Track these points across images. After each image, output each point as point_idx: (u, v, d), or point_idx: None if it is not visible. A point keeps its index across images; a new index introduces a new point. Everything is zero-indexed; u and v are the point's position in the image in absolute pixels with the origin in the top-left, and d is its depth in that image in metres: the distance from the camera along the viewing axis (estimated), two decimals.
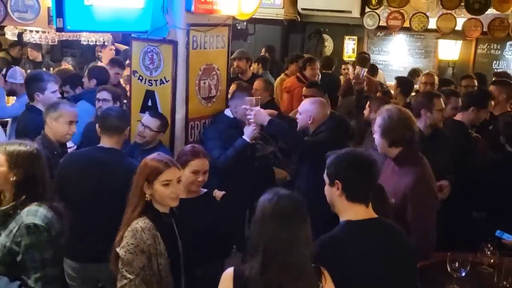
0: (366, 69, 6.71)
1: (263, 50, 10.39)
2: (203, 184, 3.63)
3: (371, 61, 10.02)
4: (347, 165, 2.71)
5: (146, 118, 4.50)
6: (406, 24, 10.83)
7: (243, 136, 4.74)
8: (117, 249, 2.89)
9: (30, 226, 2.75)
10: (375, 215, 2.72)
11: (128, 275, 2.85)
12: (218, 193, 3.73)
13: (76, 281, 3.86)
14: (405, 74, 9.10)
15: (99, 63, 8.11)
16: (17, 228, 2.75)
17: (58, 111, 4.22)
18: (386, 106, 3.72)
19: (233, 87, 5.83)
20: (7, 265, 2.76)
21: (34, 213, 2.79)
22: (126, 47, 8.42)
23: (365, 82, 6.16)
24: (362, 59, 9.35)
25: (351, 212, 2.68)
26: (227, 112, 4.99)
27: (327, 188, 2.76)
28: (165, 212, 3.06)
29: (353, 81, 6.25)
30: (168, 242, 2.97)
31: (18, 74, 6.13)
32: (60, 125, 4.23)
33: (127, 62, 6.38)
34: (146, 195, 3.00)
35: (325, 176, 2.77)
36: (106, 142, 3.93)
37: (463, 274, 3.23)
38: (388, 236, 2.69)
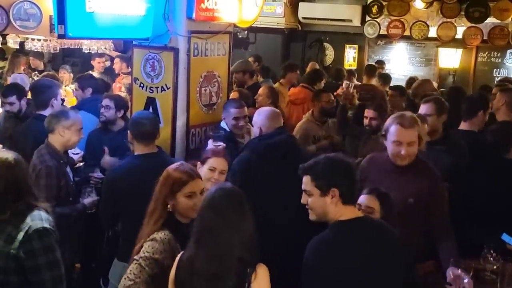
0: (353, 83, 6.69)
1: (251, 59, 10.23)
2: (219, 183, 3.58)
3: (385, 70, 10.06)
4: (341, 171, 2.76)
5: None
6: (407, 33, 10.87)
7: None
8: (135, 257, 2.84)
9: (41, 230, 2.81)
10: (361, 214, 2.83)
11: (136, 279, 2.79)
12: None
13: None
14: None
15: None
16: (23, 234, 2.77)
17: (70, 120, 4.21)
18: None
19: (233, 94, 5.83)
20: (15, 272, 2.79)
21: (40, 218, 2.84)
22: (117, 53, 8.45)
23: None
24: (370, 69, 9.37)
25: (343, 214, 2.72)
26: (223, 124, 4.88)
27: (316, 199, 2.75)
28: (186, 223, 3.00)
29: (342, 96, 6.15)
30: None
31: (19, 80, 6.16)
32: (73, 133, 4.22)
33: (129, 70, 6.40)
34: (168, 206, 2.97)
35: (311, 188, 2.75)
36: (144, 149, 3.94)
37: (466, 281, 3.21)
38: (378, 233, 2.75)
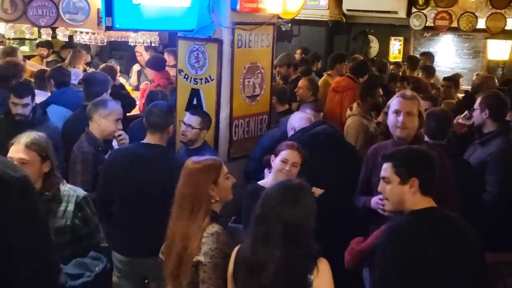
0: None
1: (299, 52, 10.33)
2: (291, 175, 3.60)
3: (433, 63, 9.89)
4: (422, 162, 2.77)
5: (187, 117, 4.51)
6: (454, 24, 10.62)
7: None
8: (197, 258, 2.81)
9: (86, 197, 3.10)
10: (435, 205, 2.76)
11: (218, 280, 2.81)
12: (317, 191, 3.74)
13: (124, 275, 3.92)
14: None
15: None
16: (72, 204, 2.99)
17: (108, 109, 4.29)
18: None
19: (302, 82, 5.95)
20: (74, 242, 3.01)
21: (76, 188, 3.11)
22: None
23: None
24: (413, 61, 9.21)
25: (419, 204, 2.70)
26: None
27: (394, 187, 2.74)
28: (220, 214, 3.04)
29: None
30: None
31: (73, 74, 6.31)
32: (109, 122, 4.30)
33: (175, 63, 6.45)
34: (215, 198, 2.95)
35: (390, 175, 2.75)
36: (150, 139, 3.94)
37: None
38: (454, 224, 2.69)
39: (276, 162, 3.69)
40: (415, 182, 2.68)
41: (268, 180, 3.76)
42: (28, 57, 8.91)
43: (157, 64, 7.13)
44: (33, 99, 4.72)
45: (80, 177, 4.08)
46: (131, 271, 3.90)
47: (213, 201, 2.95)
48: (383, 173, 2.79)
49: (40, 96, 5.53)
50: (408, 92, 3.73)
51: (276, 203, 2.60)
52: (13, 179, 1.84)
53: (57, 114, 5.29)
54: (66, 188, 3.08)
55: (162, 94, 5.63)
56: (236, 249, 2.75)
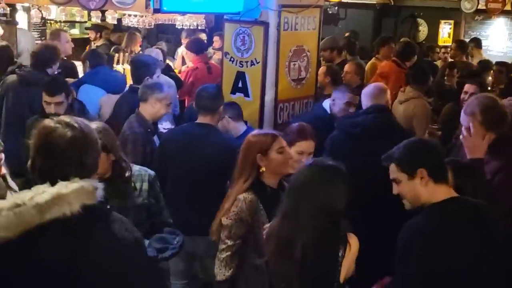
0: None
1: (347, 34, 10.21)
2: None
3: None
4: (424, 150, 2.72)
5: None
6: (507, 7, 10.24)
7: None
8: (222, 218, 3.04)
9: (154, 175, 3.25)
10: (456, 194, 2.67)
11: (227, 240, 3.03)
12: None
13: None
14: (505, 60, 8.65)
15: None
16: (146, 183, 3.17)
17: (163, 93, 4.39)
18: None
19: (322, 69, 5.78)
20: (149, 219, 3.20)
21: (145, 168, 3.28)
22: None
23: None
24: (462, 45, 8.98)
25: (437, 195, 2.62)
26: (325, 104, 4.79)
27: (405, 185, 2.68)
28: (273, 188, 3.14)
29: None
30: (270, 216, 3.02)
31: (154, 54, 6.42)
32: (163, 106, 4.40)
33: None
34: (261, 168, 3.09)
35: (398, 175, 2.69)
36: (201, 120, 4.07)
37: None
38: (477, 213, 2.61)
39: (291, 152, 3.57)
40: (424, 172, 2.62)
41: None
42: (78, 40, 9.11)
43: (196, 47, 7.16)
44: (67, 96, 4.42)
45: (130, 157, 4.17)
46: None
47: (260, 170, 3.09)
48: (391, 176, 2.73)
49: None
50: (468, 106, 3.51)
51: (306, 180, 2.64)
52: (132, 242, 2.00)
53: (89, 93, 5.46)
54: (136, 168, 3.19)
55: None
56: (268, 224, 2.81)
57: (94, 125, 2.98)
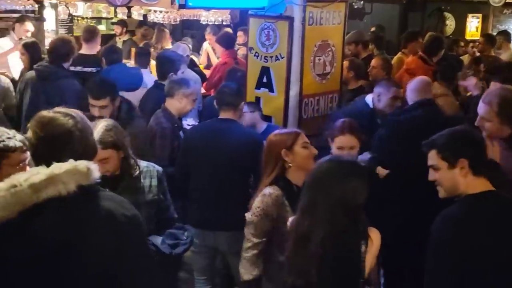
0: None
1: (373, 29, 10.10)
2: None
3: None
4: (467, 140, 2.67)
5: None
6: None
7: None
8: (246, 214, 3.04)
9: (162, 172, 3.25)
10: (493, 188, 2.64)
11: (252, 238, 3.02)
12: (381, 171, 3.72)
13: (196, 246, 4.04)
14: None
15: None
16: (155, 179, 3.17)
17: (190, 89, 4.44)
18: None
19: (345, 63, 5.74)
20: (157, 215, 3.21)
21: (152, 164, 3.27)
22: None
23: None
24: (489, 39, 8.83)
25: (474, 187, 2.60)
26: (368, 98, 4.74)
27: (444, 173, 2.65)
28: (298, 186, 3.07)
29: None
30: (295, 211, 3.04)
31: (180, 50, 6.47)
32: (190, 101, 4.45)
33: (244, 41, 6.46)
34: (288, 163, 3.09)
35: (438, 162, 2.66)
36: (223, 115, 4.09)
37: None
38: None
39: (333, 150, 3.63)
40: (465, 163, 2.58)
41: None
42: (104, 36, 9.20)
43: (227, 41, 7.17)
44: (113, 100, 4.09)
45: (158, 151, 4.24)
46: (203, 245, 4.03)
47: (286, 166, 3.08)
48: (429, 162, 2.69)
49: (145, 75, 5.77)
50: (488, 94, 3.52)
51: (323, 175, 2.63)
52: (127, 219, 2.04)
53: None
54: (144, 164, 3.20)
55: (240, 72, 5.66)
56: (290, 219, 2.80)
57: (104, 122, 3.04)
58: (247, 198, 3.26)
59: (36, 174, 1.90)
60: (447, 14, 11.78)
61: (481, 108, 3.42)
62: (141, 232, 2.14)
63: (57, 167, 1.92)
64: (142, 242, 2.18)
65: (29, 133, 2.06)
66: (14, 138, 2.72)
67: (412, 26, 11.69)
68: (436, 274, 2.52)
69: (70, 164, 1.94)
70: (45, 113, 2.07)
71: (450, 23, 11.75)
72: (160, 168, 3.29)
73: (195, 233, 3.97)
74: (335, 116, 4.76)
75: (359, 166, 2.72)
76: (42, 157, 2.00)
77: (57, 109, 2.10)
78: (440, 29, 11.61)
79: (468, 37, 11.01)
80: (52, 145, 2.01)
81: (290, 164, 3.09)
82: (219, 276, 4.36)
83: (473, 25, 11.43)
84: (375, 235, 2.62)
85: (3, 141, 2.67)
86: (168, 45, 8.13)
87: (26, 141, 2.74)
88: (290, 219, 2.79)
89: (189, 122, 5.01)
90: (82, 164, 1.96)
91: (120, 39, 9.47)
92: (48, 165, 1.94)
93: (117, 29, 9.55)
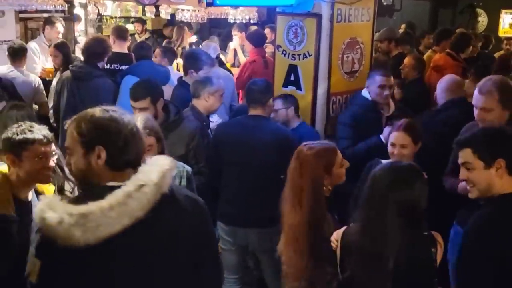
0: None
1: (403, 27, 9.97)
2: (402, 156, 3.52)
3: None
4: (505, 140, 2.62)
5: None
6: None
7: (380, 135, 4.19)
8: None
9: (191, 171, 3.33)
10: None
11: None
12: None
13: (227, 244, 4.06)
14: None
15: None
16: (185, 179, 3.24)
17: (215, 86, 4.43)
18: None
19: None
20: None
21: (181, 163, 3.27)
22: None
23: None
24: None
25: (509, 187, 2.55)
26: (364, 92, 4.63)
27: (480, 173, 2.58)
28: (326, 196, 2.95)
29: None
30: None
31: (211, 50, 6.49)
32: (216, 98, 4.44)
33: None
34: (328, 186, 2.89)
35: (473, 161, 2.59)
36: (252, 112, 4.12)
37: None
38: None
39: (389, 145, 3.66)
40: (502, 163, 2.52)
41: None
42: (133, 35, 9.28)
43: (257, 39, 7.14)
44: (154, 101, 3.87)
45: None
46: (234, 242, 4.03)
47: (329, 189, 2.92)
48: (462, 160, 2.63)
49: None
50: (485, 85, 3.48)
51: (384, 185, 2.53)
52: (203, 206, 2.18)
53: (130, 84, 5.43)
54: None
55: None
56: (341, 232, 2.69)
57: (143, 116, 3.07)
58: (278, 195, 3.20)
59: (148, 171, 1.95)
60: (479, 10, 11.54)
61: (480, 99, 3.44)
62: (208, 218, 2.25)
63: (160, 164, 1.99)
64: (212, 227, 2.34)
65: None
66: (35, 131, 2.76)
67: (443, 23, 11.51)
68: (474, 274, 2.46)
69: (164, 158, 2.05)
70: (102, 112, 2.00)
71: (483, 20, 11.52)
72: (189, 168, 3.31)
73: (226, 231, 4.01)
74: (339, 118, 4.65)
75: (416, 169, 2.63)
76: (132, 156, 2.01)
77: (99, 109, 2.02)
78: (472, 26, 11.39)
79: (501, 34, 10.78)
80: (134, 143, 2.02)
81: (330, 188, 2.91)
82: (248, 274, 4.35)
83: (506, 21, 11.17)
84: (440, 238, 2.60)
85: (24, 133, 2.74)
86: (187, 42, 8.15)
87: (49, 135, 2.80)
88: (336, 233, 2.69)
89: (214, 119, 5.00)
90: (168, 159, 2.06)
91: (140, 37, 9.52)
92: (136, 163, 1.99)
93: (138, 27, 9.60)
